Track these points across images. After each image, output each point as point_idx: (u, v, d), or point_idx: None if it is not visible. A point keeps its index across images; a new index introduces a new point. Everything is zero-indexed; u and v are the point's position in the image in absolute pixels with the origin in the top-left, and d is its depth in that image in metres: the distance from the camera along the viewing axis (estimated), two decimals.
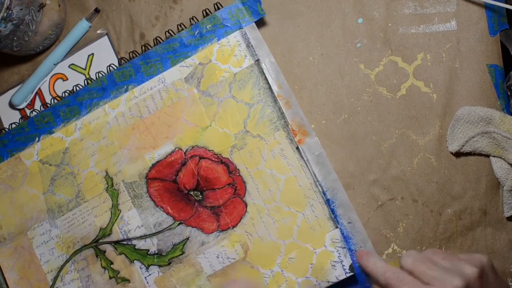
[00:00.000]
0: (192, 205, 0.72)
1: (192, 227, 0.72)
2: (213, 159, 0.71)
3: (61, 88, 0.79)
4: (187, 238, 0.72)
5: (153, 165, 0.72)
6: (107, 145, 0.73)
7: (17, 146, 0.76)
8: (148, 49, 0.74)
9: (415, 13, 0.73)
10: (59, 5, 0.75)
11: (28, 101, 0.79)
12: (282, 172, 0.70)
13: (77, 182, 0.74)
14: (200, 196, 0.72)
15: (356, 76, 0.73)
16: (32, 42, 0.74)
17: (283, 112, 0.70)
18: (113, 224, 0.73)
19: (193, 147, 0.72)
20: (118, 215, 0.73)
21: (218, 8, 0.73)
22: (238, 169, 0.71)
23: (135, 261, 0.73)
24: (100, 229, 0.73)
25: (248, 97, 0.71)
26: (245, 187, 0.71)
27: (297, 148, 0.70)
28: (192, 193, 0.72)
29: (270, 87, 0.70)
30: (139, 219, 0.73)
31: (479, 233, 0.72)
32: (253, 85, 0.71)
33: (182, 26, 0.74)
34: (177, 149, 0.72)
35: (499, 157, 0.71)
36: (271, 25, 0.75)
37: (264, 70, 0.71)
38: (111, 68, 0.75)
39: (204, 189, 0.71)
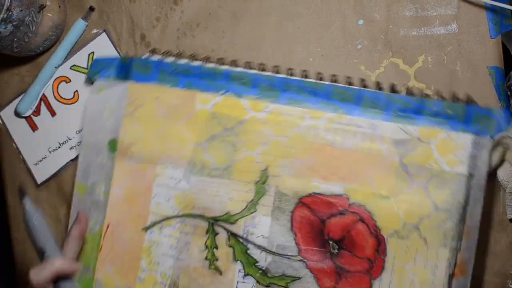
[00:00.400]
0: (324, 253, 0.69)
1: (311, 272, 0.69)
2: (371, 229, 0.68)
3: (65, 90, 0.78)
4: (299, 278, 0.69)
5: (313, 194, 0.69)
6: (283, 145, 0.70)
7: (199, 84, 0.72)
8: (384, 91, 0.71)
9: (416, 16, 0.73)
10: (59, 6, 0.75)
11: (34, 107, 0.78)
12: (421, 284, 0.67)
13: (234, 157, 0.70)
14: (336, 251, 0.69)
15: (356, 78, 0.73)
16: (32, 43, 0.74)
17: (462, 239, 0.67)
18: (241, 217, 0.70)
19: (360, 205, 0.68)
20: (252, 213, 0.70)
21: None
22: (386, 254, 0.67)
23: (238, 261, 0.70)
24: (227, 213, 0.70)
25: (440, 199, 0.67)
26: (381, 273, 0.68)
27: (449, 279, 0.67)
28: (331, 242, 0.69)
29: (464, 207, 0.67)
30: (268, 230, 0.69)
31: (479, 235, 0.72)
32: (452, 194, 0.67)
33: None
34: (344, 195, 0.68)
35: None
36: (271, 26, 0.75)
37: (470, 189, 0.67)
38: (335, 79, 0.72)
39: (344, 247, 0.68)
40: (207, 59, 0.74)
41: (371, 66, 0.73)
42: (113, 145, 0.72)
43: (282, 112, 0.70)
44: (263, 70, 0.73)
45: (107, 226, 0.72)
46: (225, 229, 0.70)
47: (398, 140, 0.68)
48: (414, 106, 0.68)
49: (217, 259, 0.70)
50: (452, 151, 0.67)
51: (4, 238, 0.85)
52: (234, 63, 0.74)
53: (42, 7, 0.72)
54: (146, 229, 0.71)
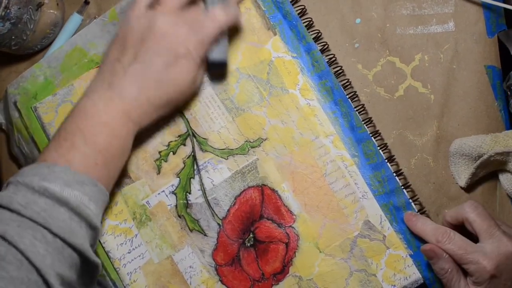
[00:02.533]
0: (239, 236, 0.71)
1: (217, 240, 0.71)
2: (286, 258, 0.70)
3: None
4: (205, 234, 0.71)
5: (275, 191, 0.71)
6: (293, 137, 0.70)
7: (285, 30, 0.71)
8: None
9: (413, 14, 0.73)
10: (57, 3, 0.75)
11: None
12: None
13: (251, 107, 0.71)
14: (248, 245, 0.70)
15: (353, 76, 0.73)
16: (30, 41, 0.74)
17: None
18: (212, 152, 0.71)
19: (297, 235, 0.70)
20: (221, 157, 0.71)
21: None
22: (280, 281, 0.70)
23: (178, 179, 0.71)
24: (206, 138, 0.71)
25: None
26: None
27: None
28: (251, 236, 0.71)
29: None
30: (220, 181, 0.70)
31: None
32: None
33: None
34: (294, 216, 0.70)
35: (507, 171, 0.71)
36: None
37: None
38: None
39: (256, 249, 0.70)
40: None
41: (368, 65, 0.73)
42: None
43: (317, 114, 0.70)
44: None
45: None
46: (193, 148, 0.71)
47: (369, 224, 0.69)
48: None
49: (166, 161, 0.71)
50: (397, 271, 0.68)
51: None
52: None
53: (40, 5, 0.72)
54: None
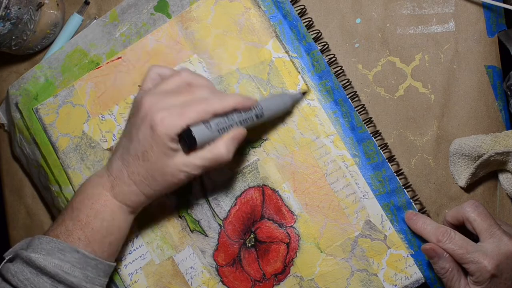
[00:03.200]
0: (239, 237, 0.71)
1: (218, 241, 0.71)
2: (287, 258, 0.70)
3: None
4: (206, 235, 0.71)
5: (276, 191, 0.71)
6: (293, 137, 0.70)
7: (286, 30, 0.71)
8: None
9: (413, 14, 0.73)
10: (58, 4, 0.75)
11: None
12: None
13: None
14: (249, 245, 0.71)
15: (354, 76, 0.73)
16: (30, 41, 0.74)
17: None
18: None
19: (298, 235, 0.70)
20: None
21: None
22: (281, 281, 0.71)
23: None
24: None
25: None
26: None
27: None
28: (252, 236, 0.71)
29: None
30: (221, 181, 0.71)
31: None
32: None
33: None
34: (295, 216, 0.71)
35: (507, 171, 0.71)
36: None
37: None
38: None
39: (257, 250, 0.71)
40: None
41: (368, 65, 0.73)
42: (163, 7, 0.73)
43: (318, 114, 0.70)
44: None
45: (119, 58, 0.73)
46: None
47: (370, 224, 0.69)
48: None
49: None
50: (398, 271, 0.69)
51: (1, 235, 0.85)
52: None
53: (40, 5, 0.72)
54: None
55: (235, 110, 0.62)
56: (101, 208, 0.63)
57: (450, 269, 0.63)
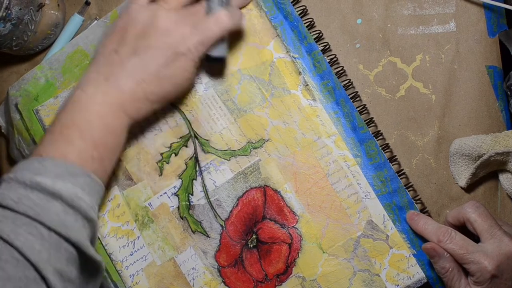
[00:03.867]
0: (241, 237, 0.71)
1: (220, 241, 0.71)
2: (290, 259, 0.71)
3: None
4: (208, 236, 0.71)
5: (277, 191, 0.71)
6: (294, 137, 0.70)
7: (287, 31, 0.71)
8: None
9: (414, 14, 0.73)
10: (58, 4, 0.75)
11: None
12: None
13: (253, 108, 0.71)
14: (251, 246, 0.71)
15: (355, 77, 0.73)
16: (31, 41, 0.74)
17: None
18: (215, 154, 0.71)
19: (300, 235, 0.70)
20: (224, 159, 0.71)
21: None
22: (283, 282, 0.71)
23: (181, 180, 0.72)
24: (208, 140, 0.72)
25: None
26: None
27: None
28: (254, 237, 0.71)
29: None
30: (222, 182, 0.71)
31: None
32: None
33: None
34: (297, 217, 0.71)
35: (507, 171, 0.71)
36: None
37: None
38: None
39: (259, 250, 0.71)
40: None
41: (369, 65, 0.73)
42: None
43: (318, 114, 0.70)
44: None
45: None
46: (195, 149, 0.71)
47: (372, 224, 0.69)
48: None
49: (168, 163, 0.71)
50: (400, 271, 0.69)
51: None
52: None
53: (41, 6, 0.72)
54: None
55: None
56: (114, 124, 0.62)
57: (450, 269, 0.63)
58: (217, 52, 0.66)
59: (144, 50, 0.63)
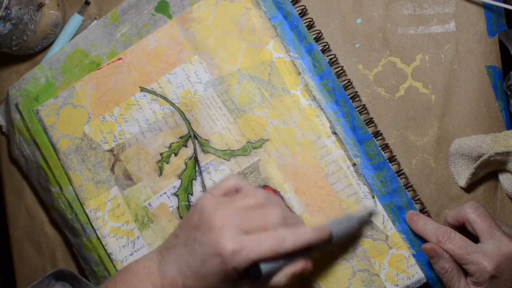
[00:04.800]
0: None
1: None
2: None
3: None
4: None
5: (277, 191, 0.70)
6: (294, 137, 0.70)
7: (286, 31, 0.71)
8: None
9: (414, 14, 0.73)
10: (58, 4, 0.75)
11: None
12: None
13: (253, 108, 0.70)
14: None
15: (354, 76, 0.73)
16: (31, 41, 0.74)
17: None
18: (214, 154, 0.71)
19: None
20: (223, 159, 0.71)
21: None
22: None
23: (180, 180, 0.72)
24: (208, 140, 0.71)
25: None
26: None
27: None
28: None
29: None
30: None
31: None
32: None
33: None
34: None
35: (507, 171, 0.71)
36: None
37: None
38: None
39: None
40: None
41: (369, 65, 0.73)
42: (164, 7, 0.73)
43: (319, 115, 0.70)
44: None
45: (120, 58, 0.73)
46: (195, 149, 0.71)
47: (372, 224, 0.69)
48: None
49: (167, 163, 0.72)
50: (400, 271, 0.69)
51: (2, 235, 0.85)
52: None
53: (40, 5, 0.72)
54: (142, 89, 0.73)
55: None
56: None
57: (450, 269, 0.63)
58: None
59: (191, 242, 0.60)
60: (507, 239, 0.62)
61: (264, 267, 0.57)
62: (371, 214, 0.68)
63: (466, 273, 0.63)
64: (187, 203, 0.71)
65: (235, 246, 0.56)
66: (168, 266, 0.61)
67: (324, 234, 0.60)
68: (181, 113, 0.71)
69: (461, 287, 0.63)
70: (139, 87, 0.73)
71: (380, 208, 0.69)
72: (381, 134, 0.71)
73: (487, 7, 0.72)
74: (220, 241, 0.56)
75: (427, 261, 0.68)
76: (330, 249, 0.68)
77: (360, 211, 0.69)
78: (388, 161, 0.69)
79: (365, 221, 0.68)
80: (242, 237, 0.57)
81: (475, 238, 0.64)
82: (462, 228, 0.66)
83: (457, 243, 0.63)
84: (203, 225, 0.58)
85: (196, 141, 0.71)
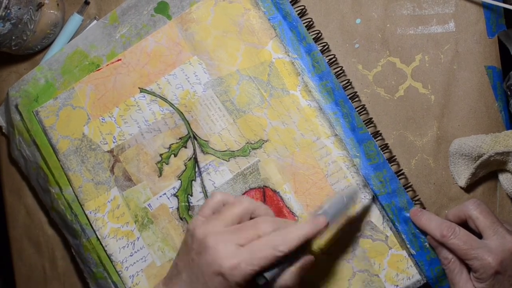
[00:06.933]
0: None
1: None
2: None
3: None
4: None
5: (277, 192, 0.70)
6: (293, 138, 0.70)
7: (285, 31, 0.71)
8: None
9: (413, 14, 0.73)
10: (58, 4, 0.75)
11: None
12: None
13: (252, 109, 0.70)
14: None
15: (354, 77, 0.73)
16: (30, 41, 0.74)
17: None
18: (213, 154, 0.71)
19: None
20: (222, 160, 0.71)
21: None
22: None
23: (180, 181, 0.72)
24: (208, 141, 0.71)
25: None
26: None
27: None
28: None
29: None
30: (221, 183, 0.71)
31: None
32: None
33: None
34: (297, 217, 0.70)
35: (507, 171, 0.71)
36: None
37: None
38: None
39: None
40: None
41: (368, 65, 0.73)
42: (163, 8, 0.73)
43: (318, 115, 0.70)
44: None
45: (119, 59, 0.73)
46: (195, 150, 0.71)
47: (371, 224, 0.69)
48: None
49: (167, 163, 0.72)
50: (399, 271, 0.69)
51: (1, 235, 0.86)
52: None
53: (40, 5, 0.72)
54: (141, 90, 0.73)
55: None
56: None
57: (452, 260, 0.64)
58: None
59: (191, 267, 0.60)
60: (510, 235, 0.62)
61: (268, 273, 0.57)
62: (355, 191, 0.68)
63: (469, 269, 0.63)
64: (187, 204, 0.71)
65: (232, 262, 0.56)
66: None
67: (319, 223, 0.60)
68: (181, 114, 0.71)
69: (462, 281, 0.63)
70: (139, 88, 0.73)
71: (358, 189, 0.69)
72: (380, 135, 0.71)
73: (486, 7, 0.72)
74: (217, 260, 0.57)
75: (427, 261, 0.68)
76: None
77: (343, 188, 0.69)
78: (387, 161, 0.69)
79: (351, 197, 0.67)
80: (237, 251, 0.57)
81: (476, 236, 0.64)
82: (463, 226, 0.66)
83: (461, 237, 0.63)
84: (198, 247, 0.59)
85: (196, 142, 0.71)
